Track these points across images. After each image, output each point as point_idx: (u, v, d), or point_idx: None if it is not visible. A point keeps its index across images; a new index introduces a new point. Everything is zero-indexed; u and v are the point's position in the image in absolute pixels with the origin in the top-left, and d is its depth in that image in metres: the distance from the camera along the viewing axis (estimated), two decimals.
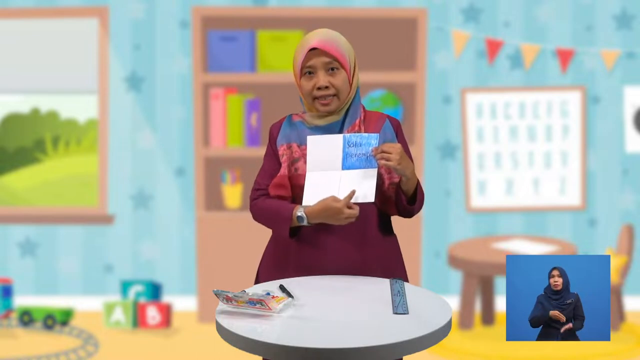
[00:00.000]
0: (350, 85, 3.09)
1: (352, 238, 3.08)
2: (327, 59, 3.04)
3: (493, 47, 5.93)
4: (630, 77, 6.01)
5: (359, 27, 5.90)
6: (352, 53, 3.10)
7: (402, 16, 5.74)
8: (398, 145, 2.98)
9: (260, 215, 3.13)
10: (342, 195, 3.01)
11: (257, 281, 3.21)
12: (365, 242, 3.10)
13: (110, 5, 5.94)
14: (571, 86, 6.01)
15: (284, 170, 3.09)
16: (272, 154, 3.15)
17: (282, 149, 3.11)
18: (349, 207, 2.98)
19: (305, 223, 3.02)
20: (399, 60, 5.93)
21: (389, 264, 3.14)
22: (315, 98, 3.05)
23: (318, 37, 3.05)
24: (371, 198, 3.00)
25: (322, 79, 3.03)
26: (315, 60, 3.03)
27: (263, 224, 3.14)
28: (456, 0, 5.94)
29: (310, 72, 3.05)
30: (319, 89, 3.03)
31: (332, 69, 3.04)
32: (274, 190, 3.11)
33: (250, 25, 5.87)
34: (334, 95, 3.05)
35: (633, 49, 5.99)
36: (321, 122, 3.10)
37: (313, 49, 3.04)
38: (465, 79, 5.99)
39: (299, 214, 3.02)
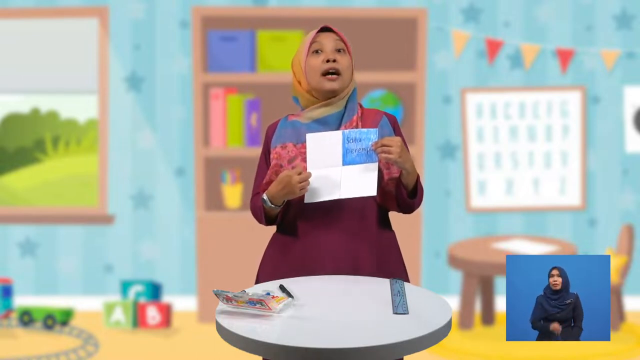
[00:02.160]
0: (352, 74, 3.16)
1: (351, 235, 3.09)
2: (336, 38, 3.14)
3: (493, 47, 5.93)
4: (630, 77, 6.01)
5: (359, 27, 5.90)
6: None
7: (402, 16, 5.74)
8: (397, 139, 3.00)
9: (253, 215, 3.23)
10: (344, 192, 3.02)
11: (257, 282, 3.21)
12: (364, 238, 3.11)
13: (110, 5, 5.94)
14: (571, 86, 6.01)
15: (268, 177, 3.12)
16: (265, 156, 3.20)
17: (274, 152, 3.13)
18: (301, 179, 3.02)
19: (270, 204, 3.08)
20: (399, 60, 5.93)
21: (388, 260, 3.15)
22: (323, 75, 3.10)
23: (326, 24, 3.24)
24: (373, 192, 3.03)
25: (330, 53, 3.12)
26: (325, 38, 3.14)
27: (259, 222, 3.23)
28: (456, 0, 5.94)
29: (318, 51, 3.13)
30: (327, 61, 3.09)
31: (339, 50, 3.13)
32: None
33: (250, 25, 5.87)
34: (340, 74, 3.11)
35: (633, 49, 5.99)
36: (319, 114, 3.12)
37: (323, 29, 3.15)
38: (465, 79, 5.99)
39: (264, 197, 3.09)
